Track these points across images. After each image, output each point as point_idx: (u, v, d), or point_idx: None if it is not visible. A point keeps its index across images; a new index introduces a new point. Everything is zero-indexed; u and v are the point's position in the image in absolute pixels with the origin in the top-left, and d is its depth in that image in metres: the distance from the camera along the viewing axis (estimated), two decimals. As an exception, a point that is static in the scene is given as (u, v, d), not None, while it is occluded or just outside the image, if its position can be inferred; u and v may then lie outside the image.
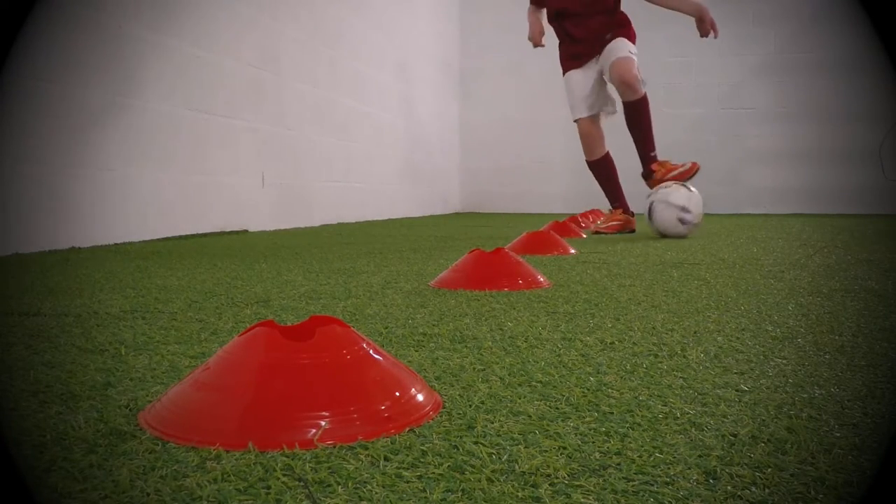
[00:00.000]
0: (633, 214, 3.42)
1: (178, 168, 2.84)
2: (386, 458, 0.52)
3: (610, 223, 3.37)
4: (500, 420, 0.61)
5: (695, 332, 1.00)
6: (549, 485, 0.48)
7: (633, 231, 3.39)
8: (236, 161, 3.26)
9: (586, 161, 3.43)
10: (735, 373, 0.78)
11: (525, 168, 6.53)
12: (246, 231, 3.26)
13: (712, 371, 0.79)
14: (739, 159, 6.37)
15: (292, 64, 3.70)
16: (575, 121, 3.41)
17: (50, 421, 0.60)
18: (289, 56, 3.67)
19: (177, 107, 2.81)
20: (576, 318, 1.11)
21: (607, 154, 3.40)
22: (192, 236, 2.83)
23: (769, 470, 0.50)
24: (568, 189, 6.52)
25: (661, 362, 0.82)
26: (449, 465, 0.51)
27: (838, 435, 0.57)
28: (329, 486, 0.48)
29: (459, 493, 0.47)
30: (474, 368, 0.79)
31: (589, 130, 3.37)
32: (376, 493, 0.47)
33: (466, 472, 0.50)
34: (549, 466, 0.51)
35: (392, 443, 0.55)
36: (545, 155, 6.48)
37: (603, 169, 3.40)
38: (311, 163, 3.97)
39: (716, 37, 3.19)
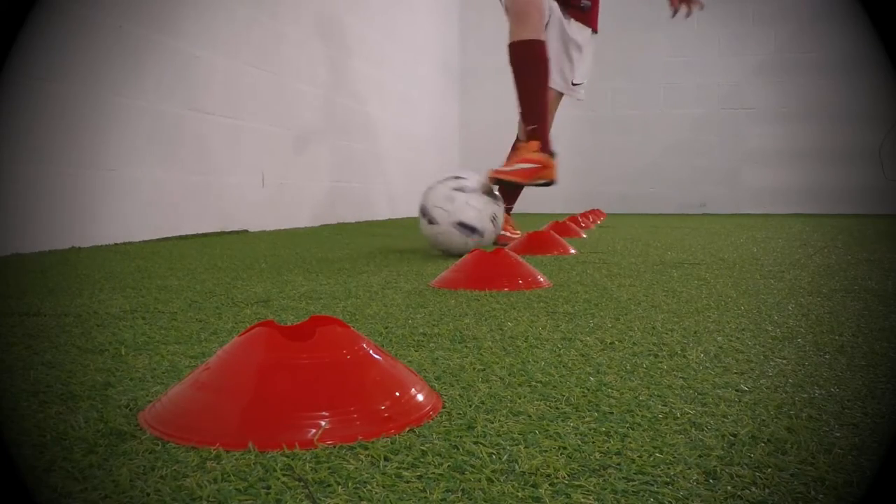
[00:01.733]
0: (554, 156, 2.39)
1: (179, 168, 2.84)
2: (386, 458, 0.52)
3: (521, 165, 2.24)
4: (500, 420, 0.61)
5: (695, 332, 1.00)
6: (549, 485, 0.48)
7: (550, 183, 2.32)
8: (236, 161, 3.26)
9: (509, 45, 2.31)
10: (735, 373, 0.78)
11: (525, 168, 6.52)
12: (246, 231, 3.26)
13: (712, 371, 0.78)
14: (739, 159, 6.37)
15: (292, 64, 3.70)
16: None
17: (50, 421, 0.60)
18: (289, 56, 3.67)
19: (177, 107, 2.81)
20: (576, 318, 1.11)
21: (544, 42, 2.31)
22: (192, 236, 2.83)
23: (769, 470, 0.50)
24: (568, 189, 6.52)
25: (661, 362, 0.82)
26: (449, 465, 0.51)
27: (838, 435, 0.57)
28: (329, 486, 0.48)
29: (459, 493, 0.47)
30: (474, 368, 0.79)
31: None
32: (376, 493, 0.47)
33: (466, 472, 0.50)
34: (549, 466, 0.50)
35: (392, 443, 0.55)
36: (545, 155, 6.47)
37: (536, 59, 2.30)
38: (311, 163, 3.97)
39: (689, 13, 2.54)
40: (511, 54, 2.29)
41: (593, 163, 6.58)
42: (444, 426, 0.60)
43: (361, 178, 4.62)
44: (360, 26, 4.56)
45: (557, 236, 2.38)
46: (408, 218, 5.12)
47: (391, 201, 5.08)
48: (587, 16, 2.58)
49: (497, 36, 7.33)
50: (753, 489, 0.47)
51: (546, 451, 0.54)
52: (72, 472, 0.49)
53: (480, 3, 6.70)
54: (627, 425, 0.60)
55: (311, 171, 3.97)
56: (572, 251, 2.27)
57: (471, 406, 0.65)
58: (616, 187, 6.51)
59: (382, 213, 4.89)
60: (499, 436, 0.57)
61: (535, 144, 2.26)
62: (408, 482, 0.48)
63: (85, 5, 2.29)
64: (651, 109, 6.52)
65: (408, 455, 0.53)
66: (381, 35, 4.92)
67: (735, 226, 4.14)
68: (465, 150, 6.77)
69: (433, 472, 0.50)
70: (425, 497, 0.46)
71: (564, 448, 0.54)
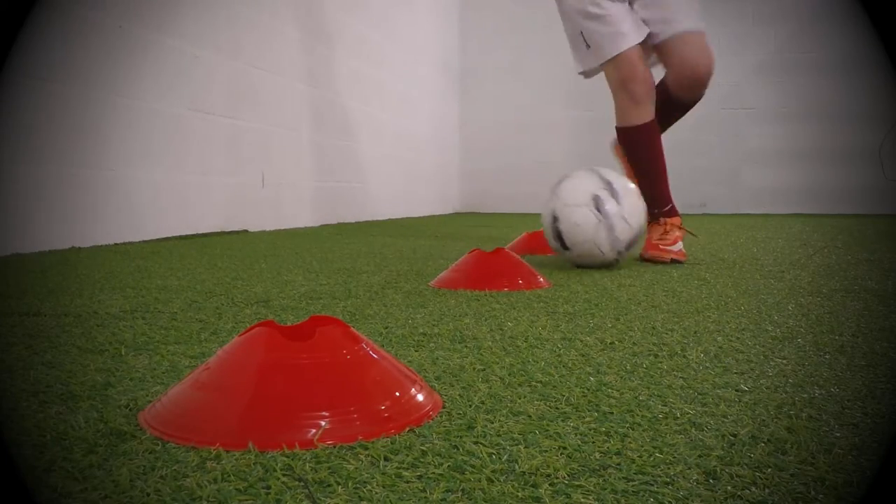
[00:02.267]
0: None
1: (178, 168, 2.84)
2: (386, 458, 0.52)
3: (675, 243, 2.01)
4: (500, 420, 0.61)
5: (695, 332, 1.00)
6: (549, 485, 0.48)
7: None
8: (236, 161, 3.26)
9: (623, 128, 2.14)
10: (735, 373, 0.78)
11: (525, 168, 6.53)
12: (246, 231, 3.26)
13: (712, 371, 0.78)
14: (739, 159, 6.37)
15: (292, 64, 3.70)
16: (607, 61, 2.06)
17: (50, 421, 0.60)
18: (289, 56, 3.67)
19: (177, 107, 2.81)
20: (576, 318, 1.11)
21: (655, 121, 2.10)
22: (192, 236, 2.82)
23: (769, 470, 0.50)
24: (568, 189, 6.51)
25: (661, 362, 0.82)
26: (449, 465, 0.51)
27: (838, 435, 0.57)
28: (329, 486, 0.48)
29: (459, 493, 0.47)
30: (474, 368, 0.79)
31: (639, 66, 2.04)
32: (376, 493, 0.47)
33: (466, 472, 0.50)
34: (549, 466, 0.50)
35: (392, 443, 0.55)
36: (545, 155, 6.48)
37: (652, 140, 2.12)
38: (311, 163, 3.97)
39: None
40: (626, 138, 2.16)
41: (593, 163, 6.58)
42: (444, 426, 0.60)
43: (361, 178, 4.62)
44: (360, 26, 4.56)
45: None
46: (408, 218, 5.12)
47: (391, 201, 5.08)
48: None
49: (497, 36, 7.28)
50: (753, 489, 0.47)
51: (546, 451, 0.54)
52: (72, 472, 0.49)
53: (480, 3, 6.71)
54: (627, 425, 0.60)
55: (311, 171, 3.97)
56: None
57: (471, 406, 0.65)
58: (616, 187, 6.48)
59: (382, 212, 4.88)
60: (499, 436, 0.57)
61: (678, 220, 2.07)
62: (408, 482, 0.48)
63: (85, 5, 2.29)
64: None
65: (408, 455, 0.53)
66: (382, 35, 4.92)
67: (735, 226, 4.14)
68: (464, 150, 6.77)
69: (433, 472, 0.50)
70: (425, 497, 0.46)
71: (564, 448, 0.54)
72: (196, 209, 2.95)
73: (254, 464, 0.51)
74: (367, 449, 0.54)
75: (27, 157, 2.09)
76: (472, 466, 0.51)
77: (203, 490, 0.47)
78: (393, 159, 5.13)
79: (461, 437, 0.57)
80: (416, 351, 0.88)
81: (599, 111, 2.22)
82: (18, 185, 2.06)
